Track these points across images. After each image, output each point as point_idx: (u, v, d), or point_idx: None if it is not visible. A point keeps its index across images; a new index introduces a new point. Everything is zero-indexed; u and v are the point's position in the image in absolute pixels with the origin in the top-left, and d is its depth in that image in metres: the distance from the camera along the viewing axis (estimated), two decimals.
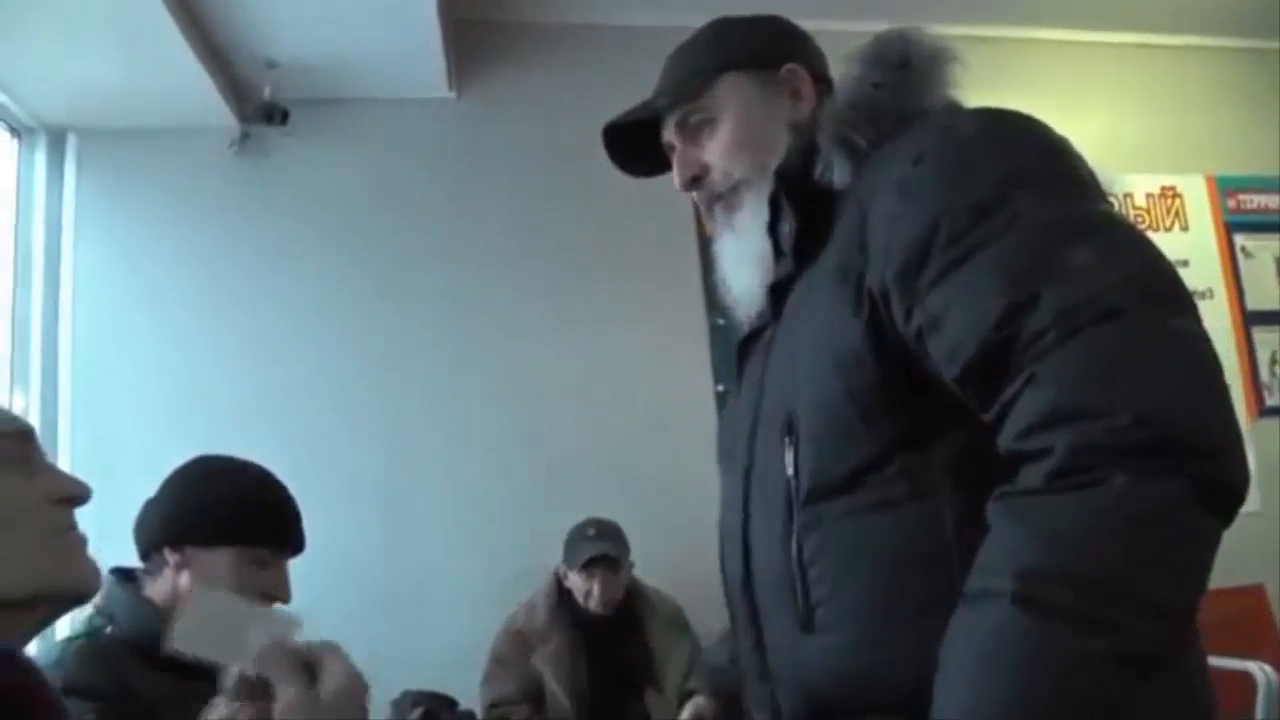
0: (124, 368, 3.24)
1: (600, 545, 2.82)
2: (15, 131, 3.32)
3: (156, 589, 1.51)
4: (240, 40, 3.13)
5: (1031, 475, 0.79)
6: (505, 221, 3.52)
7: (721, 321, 3.46)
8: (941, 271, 0.89)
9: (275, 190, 3.43)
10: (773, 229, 1.14)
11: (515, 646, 2.87)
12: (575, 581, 2.86)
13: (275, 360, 3.30)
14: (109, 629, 1.45)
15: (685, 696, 2.75)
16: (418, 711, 2.81)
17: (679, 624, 2.95)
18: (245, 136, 3.38)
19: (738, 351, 1.23)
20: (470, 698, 2.87)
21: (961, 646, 0.78)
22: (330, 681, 0.78)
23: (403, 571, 3.22)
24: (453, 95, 3.57)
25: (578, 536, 2.88)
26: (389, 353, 3.37)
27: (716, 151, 1.20)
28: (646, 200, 3.12)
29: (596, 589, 2.83)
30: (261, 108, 3.30)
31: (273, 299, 3.35)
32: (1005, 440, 0.83)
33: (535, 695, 2.82)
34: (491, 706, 2.83)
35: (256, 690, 0.78)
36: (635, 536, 2.95)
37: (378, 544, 3.22)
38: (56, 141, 3.37)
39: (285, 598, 1.59)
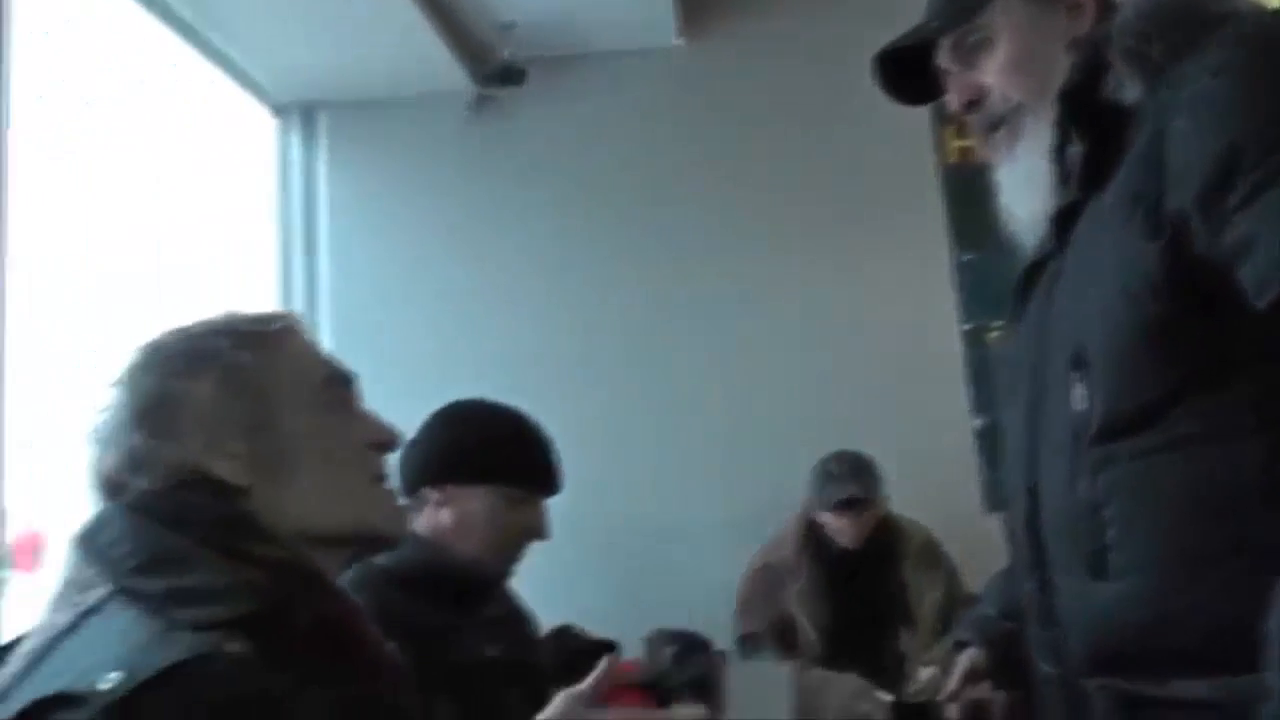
0: (379, 328, 3.43)
1: (853, 486, 2.73)
2: (276, 111, 3.56)
3: (420, 523, 1.59)
4: (474, 4, 3.23)
5: None
6: (737, 166, 3.49)
7: (968, 257, 3.36)
8: (1248, 196, 0.81)
9: (512, 149, 3.54)
10: (1059, 153, 1.08)
11: (763, 583, 2.87)
12: (828, 519, 2.80)
13: (520, 314, 3.44)
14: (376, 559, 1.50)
15: (940, 633, 2.68)
16: (669, 650, 2.82)
17: (931, 555, 2.85)
18: (481, 99, 3.49)
19: (1020, 283, 1.17)
20: (722, 635, 2.86)
21: None
22: None
23: (652, 511, 3.30)
24: (681, 43, 3.57)
25: (825, 475, 2.78)
26: (630, 299, 3.44)
27: (994, 73, 1.14)
28: (883, 135, 3.09)
29: (849, 527, 2.77)
30: (498, 70, 3.39)
31: (513, 256, 3.47)
32: None
33: (786, 631, 2.80)
34: (741, 640, 2.84)
35: None
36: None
37: (626, 484, 3.28)
38: (309, 118, 3.60)
39: (544, 534, 1.65)
